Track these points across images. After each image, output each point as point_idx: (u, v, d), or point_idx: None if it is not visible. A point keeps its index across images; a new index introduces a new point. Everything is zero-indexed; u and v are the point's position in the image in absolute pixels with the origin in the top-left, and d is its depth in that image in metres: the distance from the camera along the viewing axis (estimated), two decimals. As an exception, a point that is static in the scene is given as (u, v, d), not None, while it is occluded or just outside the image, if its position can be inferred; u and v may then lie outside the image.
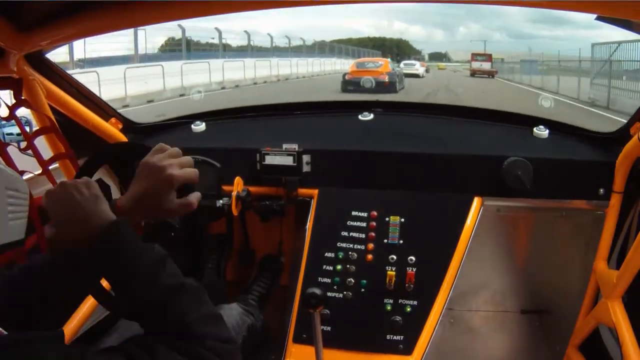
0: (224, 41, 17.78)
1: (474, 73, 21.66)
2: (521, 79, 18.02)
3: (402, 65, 19.10)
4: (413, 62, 21.25)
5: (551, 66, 16.91)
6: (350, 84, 13.34)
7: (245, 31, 17.69)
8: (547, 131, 1.69)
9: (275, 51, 19.83)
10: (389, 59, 17.52)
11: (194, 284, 0.79)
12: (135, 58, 13.00)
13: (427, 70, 21.41)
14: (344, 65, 22.85)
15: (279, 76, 17.45)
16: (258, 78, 16.11)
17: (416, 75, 18.34)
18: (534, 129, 1.71)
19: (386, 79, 13.83)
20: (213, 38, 17.13)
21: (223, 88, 13.79)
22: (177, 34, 15.82)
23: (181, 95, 11.24)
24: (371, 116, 1.83)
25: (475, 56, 23.17)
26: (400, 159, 1.61)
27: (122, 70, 10.83)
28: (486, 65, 22.18)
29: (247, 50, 18.24)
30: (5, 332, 0.69)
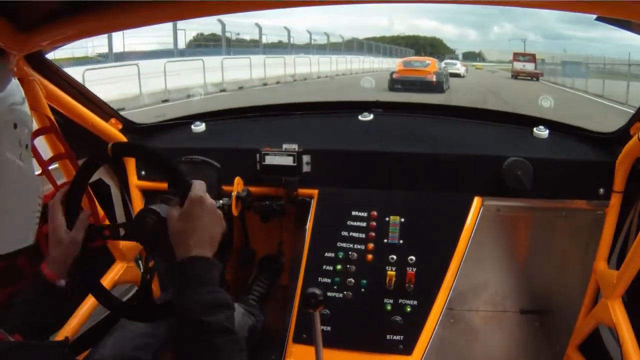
0: (239, 36, 16.46)
1: (517, 74, 19.83)
2: (573, 83, 15.68)
3: (443, 64, 18.48)
4: (454, 61, 20.65)
5: (606, 69, 15.33)
6: (397, 82, 13.28)
7: (257, 24, 16.17)
8: (547, 131, 1.70)
9: (294, 48, 18.38)
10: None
11: (240, 339, 0.84)
12: (110, 56, 11.85)
13: (466, 70, 20.73)
14: (374, 64, 21.62)
15: (295, 76, 15.53)
16: (269, 78, 14.34)
17: (458, 75, 17.93)
18: (534, 129, 1.71)
19: (434, 78, 13.71)
20: (239, 33, 15.99)
21: (223, 91, 12.20)
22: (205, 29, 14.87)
23: (164, 101, 10.04)
24: (371, 116, 1.83)
25: (517, 56, 21.13)
26: (400, 159, 1.61)
27: (98, 72, 8.99)
28: (529, 66, 20.16)
29: (259, 46, 16.72)
30: (11, 339, 0.71)
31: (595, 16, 1.04)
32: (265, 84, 13.97)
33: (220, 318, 0.81)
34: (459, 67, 19.66)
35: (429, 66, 14.58)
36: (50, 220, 1.03)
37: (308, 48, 19.04)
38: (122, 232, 1.10)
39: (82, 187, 1.09)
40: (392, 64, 22.77)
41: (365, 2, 1.10)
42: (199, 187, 0.97)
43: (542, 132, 1.70)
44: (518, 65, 20.46)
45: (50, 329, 1.03)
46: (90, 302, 1.49)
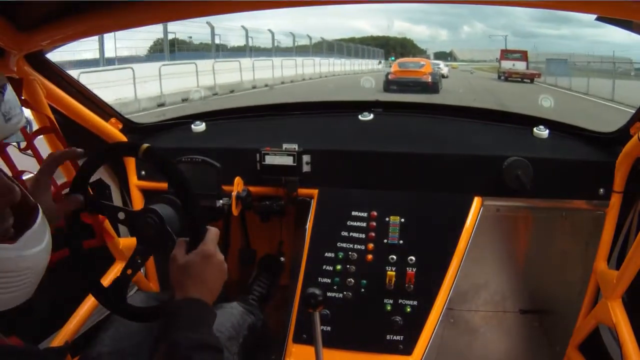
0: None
1: (508, 75, 16.85)
2: (590, 88, 12.57)
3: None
4: (437, 61, 19.68)
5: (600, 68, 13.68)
6: (393, 83, 13.21)
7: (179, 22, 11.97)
8: (547, 131, 1.70)
9: (236, 51, 15.26)
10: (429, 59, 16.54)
11: None
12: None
13: (449, 70, 19.65)
14: (334, 67, 19.31)
15: (215, 88, 11.76)
16: (169, 94, 10.62)
17: (442, 76, 17.24)
18: (534, 129, 1.71)
19: (429, 79, 13.64)
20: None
21: (161, 105, 9.71)
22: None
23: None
24: (371, 116, 1.84)
25: (505, 54, 18.21)
26: (401, 159, 1.61)
27: None
28: (520, 65, 17.32)
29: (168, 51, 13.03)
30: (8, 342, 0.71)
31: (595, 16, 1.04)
32: (162, 105, 10.23)
33: (207, 358, 0.82)
34: (442, 67, 18.64)
35: (424, 67, 14.51)
36: (38, 174, 1.02)
37: (244, 51, 15.48)
38: (121, 216, 1.09)
39: (100, 162, 1.12)
40: (359, 66, 20.82)
41: (357, 2, 1.10)
42: (212, 239, 0.96)
43: (542, 132, 1.70)
44: (506, 65, 17.78)
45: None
46: (90, 302, 1.49)
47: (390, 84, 13.27)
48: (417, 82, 13.32)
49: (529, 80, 16.46)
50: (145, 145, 1.00)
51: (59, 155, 1.06)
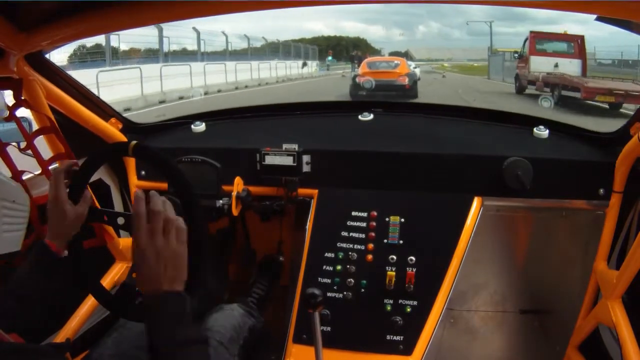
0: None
1: (587, 95, 8.68)
2: None
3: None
4: (409, 62, 15.62)
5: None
6: (360, 87, 11.51)
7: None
8: (547, 131, 1.70)
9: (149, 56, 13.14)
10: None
11: None
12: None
13: (419, 72, 15.16)
14: (256, 73, 15.32)
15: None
16: None
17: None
18: (534, 129, 1.71)
19: (406, 81, 11.66)
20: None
21: (162, 102, 9.57)
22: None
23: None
24: (371, 116, 1.84)
25: (538, 41, 10.05)
26: (400, 159, 1.61)
27: None
28: (570, 67, 9.28)
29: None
30: (10, 339, 0.71)
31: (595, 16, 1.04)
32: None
33: (192, 353, 0.82)
34: (413, 67, 14.37)
35: (399, 67, 12.41)
36: (54, 192, 1.02)
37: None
38: (120, 221, 1.09)
39: (94, 167, 1.10)
40: (291, 70, 17.38)
41: (354, 2, 1.10)
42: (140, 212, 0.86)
43: (542, 132, 1.70)
44: (540, 63, 9.50)
45: (52, 310, 1.05)
46: (90, 302, 1.49)
47: (358, 89, 11.50)
48: (391, 85, 11.54)
49: (617, 102, 8.34)
50: (134, 142, 1.01)
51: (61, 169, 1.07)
